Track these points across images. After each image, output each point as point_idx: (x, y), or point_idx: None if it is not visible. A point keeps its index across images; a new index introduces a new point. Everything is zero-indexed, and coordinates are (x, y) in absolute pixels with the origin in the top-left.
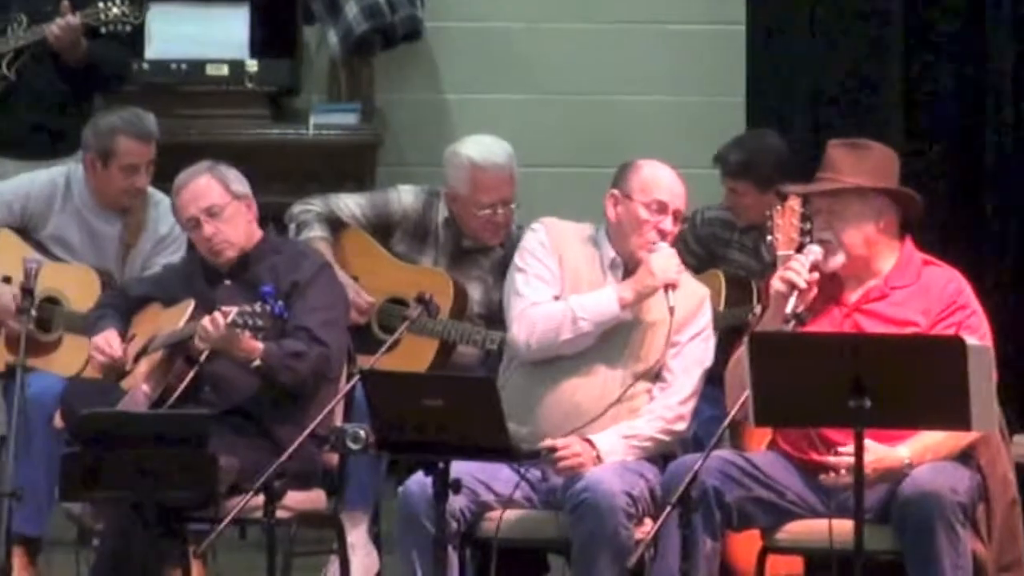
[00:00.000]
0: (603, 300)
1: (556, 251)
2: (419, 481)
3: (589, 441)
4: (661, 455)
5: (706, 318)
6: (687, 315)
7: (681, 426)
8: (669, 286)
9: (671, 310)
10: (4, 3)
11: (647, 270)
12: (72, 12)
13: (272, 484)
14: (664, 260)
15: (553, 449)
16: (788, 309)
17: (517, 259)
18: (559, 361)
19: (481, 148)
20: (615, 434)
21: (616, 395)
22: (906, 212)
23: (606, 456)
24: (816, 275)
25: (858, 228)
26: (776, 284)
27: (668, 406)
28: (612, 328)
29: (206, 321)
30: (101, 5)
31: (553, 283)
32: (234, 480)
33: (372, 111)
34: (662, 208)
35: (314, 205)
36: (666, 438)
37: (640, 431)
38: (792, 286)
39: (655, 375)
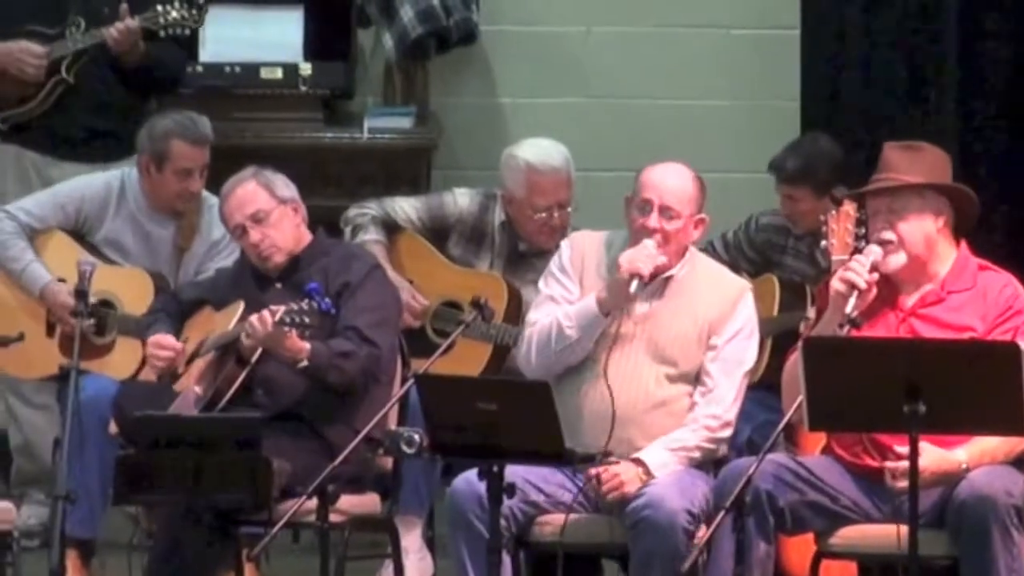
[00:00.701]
0: (585, 303)
1: (577, 268)
2: (467, 479)
3: (635, 459)
4: (711, 461)
5: (744, 315)
6: (722, 315)
7: (727, 432)
8: (634, 276)
9: (629, 297)
10: (62, 7)
11: (617, 264)
12: (131, 16)
13: (326, 488)
14: (633, 252)
15: (608, 454)
16: (848, 309)
17: (541, 280)
18: (588, 370)
19: (538, 151)
20: (662, 447)
21: (653, 399)
22: (961, 214)
23: (657, 471)
24: (876, 276)
25: (918, 225)
26: (836, 284)
27: (712, 415)
28: (642, 332)
29: (254, 319)
30: (160, 9)
31: (565, 301)
32: (287, 483)
33: (426, 115)
34: (646, 206)
35: (370, 208)
36: (712, 447)
37: (686, 442)
38: (852, 286)
39: (693, 377)
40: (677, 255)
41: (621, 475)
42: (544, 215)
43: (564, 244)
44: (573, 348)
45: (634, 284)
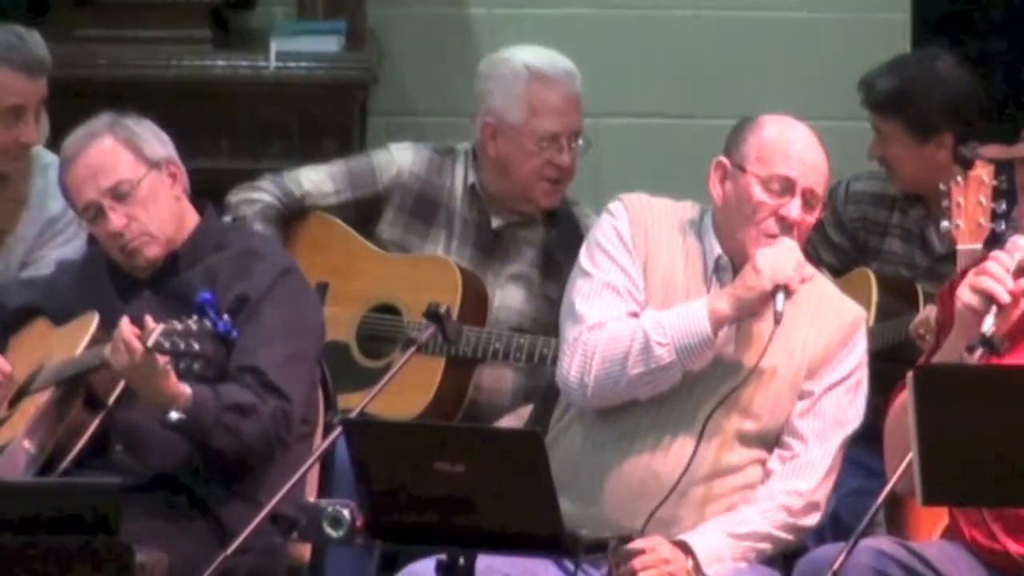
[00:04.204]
0: (690, 315)
1: (642, 246)
2: (414, 573)
3: (682, 544)
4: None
5: (855, 357)
6: (828, 352)
7: (813, 520)
8: (780, 288)
9: (777, 316)
10: None
11: (751, 267)
12: None
13: None
14: (776, 254)
15: (627, 540)
16: (984, 330)
17: (583, 258)
18: (633, 411)
19: (540, 55)
20: (719, 531)
21: (715, 465)
22: None
23: (708, 565)
24: None
25: None
26: (965, 295)
27: (794, 490)
28: (710, 367)
29: (120, 336)
30: None
31: (631, 294)
32: None
33: (362, 34)
34: (787, 187)
35: (262, 192)
36: (789, 537)
37: (755, 526)
38: (990, 298)
39: (774, 439)
40: None
41: (671, 564)
42: (551, 148)
43: (617, 209)
44: (659, 376)
45: (780, 298)
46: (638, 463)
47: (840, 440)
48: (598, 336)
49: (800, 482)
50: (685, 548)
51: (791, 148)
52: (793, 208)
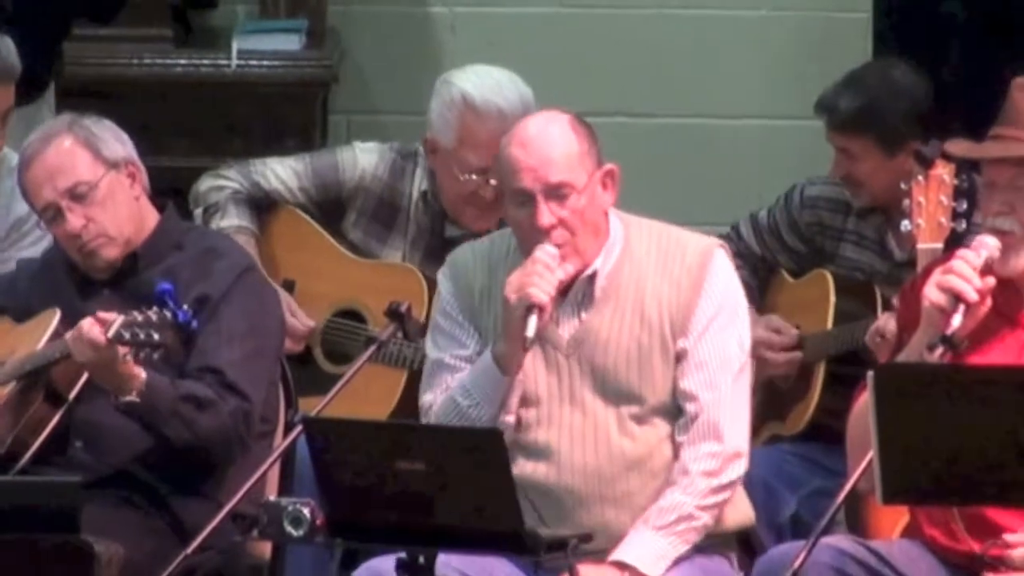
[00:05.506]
0: (482, 367)
1: (466, 300)
2: (374, 570)
3: (617, 563)
4: (737, 538)
5: (716, 295)
6: (682, 303)
7: (739, 468)
8: (531, 310)
9: (526, 343)
10: None
11: (504, 296)
12: None
13: None
14: (517, 275)
15: (587, 539)
16: (953, 329)
17: (428, 338)
18: (525, 438)
19: (485, 83)
20: (647, 531)
21: (623, 458)
22: None
23: (654, 566)
24: (992, 280)
25: None
26: (934, 295)
27: (708, 454)
28: (576, 363)
29: (83, 327)
30: None
31: (459, 359)
32: None
33: (324, 32)
34: (525, 198)
35: (229, 179)
36: (720, 498)
37: (681, 509)
38: (958, 298)
39: (673, 409)
40: (596, 239)
41: None
42: (474, 180)
43: (440, 274)
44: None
45: (531, 322)
46: (546, 485)
47: (731, 378)
48: (428, 417)
49: (709, 443)
50: (620, 567)
51: (515, 158)
52: (540, 215)
